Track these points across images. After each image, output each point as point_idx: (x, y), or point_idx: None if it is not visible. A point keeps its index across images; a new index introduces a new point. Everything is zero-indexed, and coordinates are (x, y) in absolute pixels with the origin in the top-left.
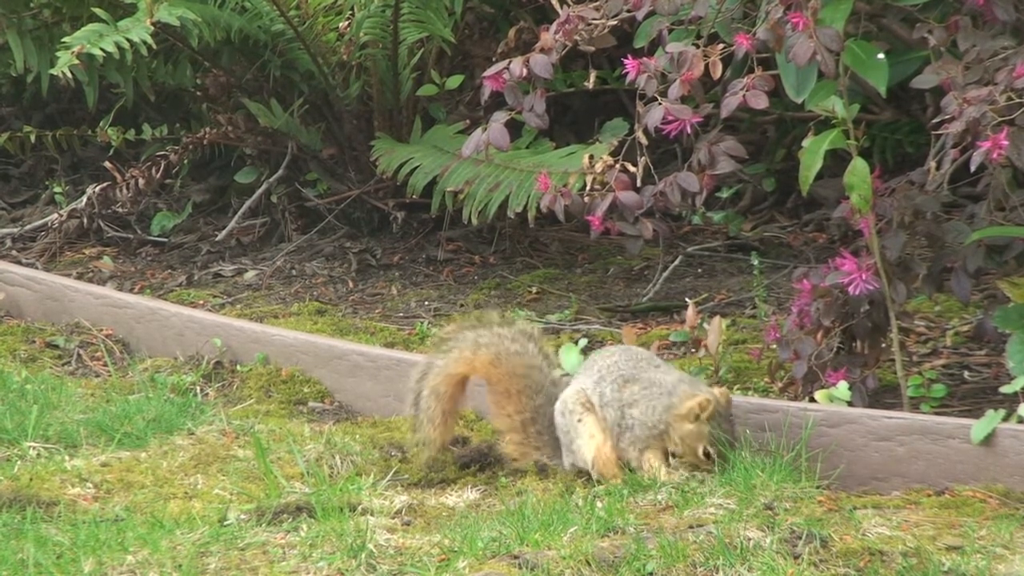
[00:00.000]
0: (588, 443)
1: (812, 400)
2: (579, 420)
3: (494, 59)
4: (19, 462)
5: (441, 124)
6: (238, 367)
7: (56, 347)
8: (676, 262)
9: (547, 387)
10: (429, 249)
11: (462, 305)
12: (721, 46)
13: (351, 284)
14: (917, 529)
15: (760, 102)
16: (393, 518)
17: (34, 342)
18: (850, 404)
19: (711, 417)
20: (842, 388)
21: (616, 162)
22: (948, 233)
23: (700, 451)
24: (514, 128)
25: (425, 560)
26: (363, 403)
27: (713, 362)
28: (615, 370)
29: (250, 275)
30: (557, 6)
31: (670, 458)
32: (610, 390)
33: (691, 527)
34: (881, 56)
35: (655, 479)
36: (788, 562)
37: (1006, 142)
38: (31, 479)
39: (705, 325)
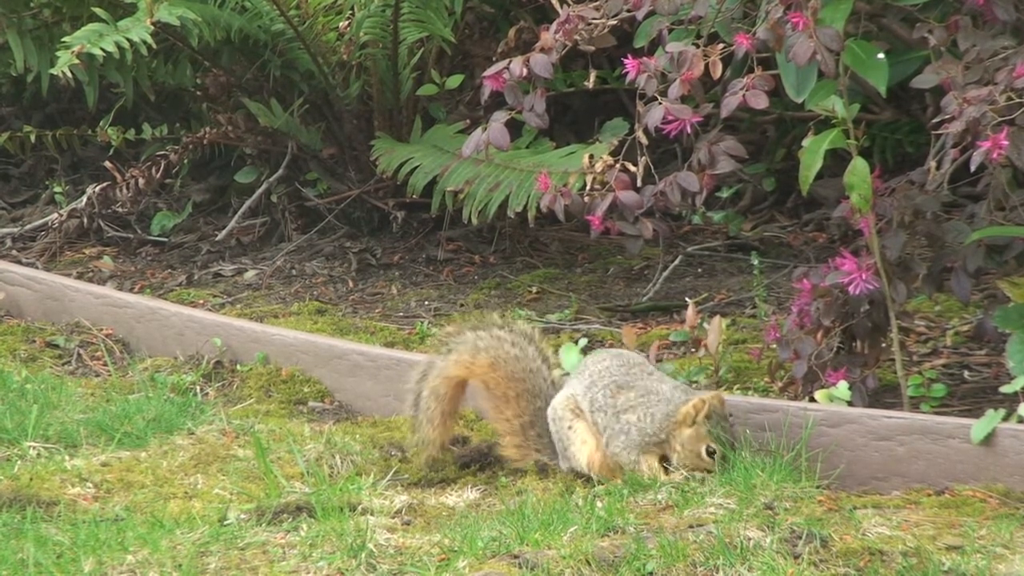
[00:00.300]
0: (581, 448)
1: (812, 400)
2: (569, 427)
3: (494, 59)
4: (19, 462)
5: (441, 124)
6: (238, 367)
7: (56, 347)
8: (676, 262)
9: (546, 390)
10: (429, 249)
11: (462, 305)
12: (721, 46)
13: (351, 284)
14: (917, 529)
15: (760, 102)
16: (393, 518)
17: (34, 342)
18: (850, 404)
19: (708, 417)
20: (842, 388)
21: (616, 162)
22: (948, 233)
23: (703, 452)
24: (514, 128)
25: (425, 560)
26: (363, 403)
27: (713, 362)
28: (607, 376)
29: (250, 275)
30: (557, 6)
31: (672, 460)
32: (602, 395)
33: (691, 527)
34: (881, 56)
35: (655, 479)
36: (788, 562)
37: (1006, 142)
38: (31, 479)
39: (705, 325)
